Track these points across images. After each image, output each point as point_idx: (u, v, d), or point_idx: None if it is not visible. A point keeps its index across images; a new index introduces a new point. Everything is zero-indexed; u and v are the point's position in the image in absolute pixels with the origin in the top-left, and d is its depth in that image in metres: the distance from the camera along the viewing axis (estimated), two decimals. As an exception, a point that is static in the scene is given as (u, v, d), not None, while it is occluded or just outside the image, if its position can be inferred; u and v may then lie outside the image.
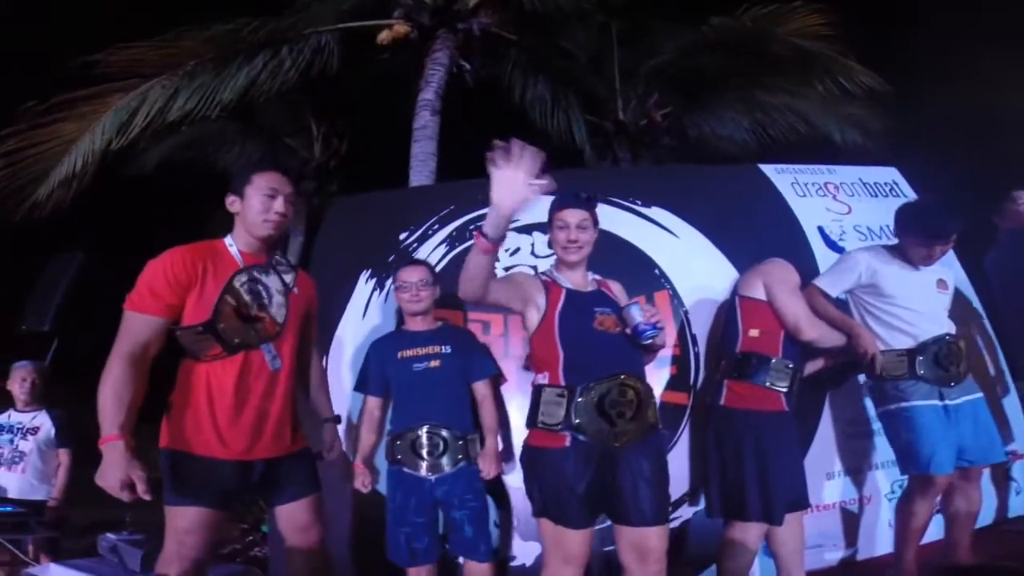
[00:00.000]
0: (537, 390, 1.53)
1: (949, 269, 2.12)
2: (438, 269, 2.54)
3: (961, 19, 6.67)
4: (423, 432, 1.93)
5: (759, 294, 1.96)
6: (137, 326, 1.42)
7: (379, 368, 2.08)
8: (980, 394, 2.00)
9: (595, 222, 1.65)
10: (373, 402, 2.08)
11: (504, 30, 4.69)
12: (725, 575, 1.84)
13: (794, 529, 1.89)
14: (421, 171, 3.95)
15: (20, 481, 2.70)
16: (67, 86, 4.17)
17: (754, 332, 1.93)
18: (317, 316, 1.78)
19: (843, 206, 2.78)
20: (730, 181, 2.80)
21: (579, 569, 1.47)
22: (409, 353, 2.04)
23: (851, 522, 2.33)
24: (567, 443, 1.46)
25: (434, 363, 2.03)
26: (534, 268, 2.47)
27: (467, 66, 4.43)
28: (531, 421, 1.53)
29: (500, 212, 1.31)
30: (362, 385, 2.13)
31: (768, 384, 1.86)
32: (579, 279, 1.65)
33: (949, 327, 1.99)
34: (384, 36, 4.35)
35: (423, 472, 1.91)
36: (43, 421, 2.80)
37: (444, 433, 1.93)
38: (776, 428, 1.85)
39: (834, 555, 2.30)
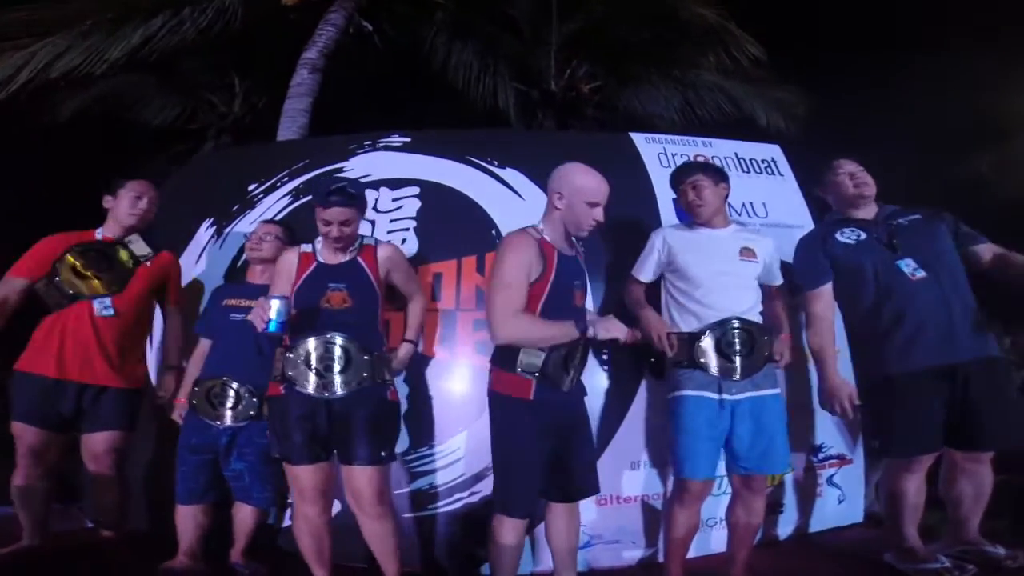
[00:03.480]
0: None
1: (763, 238, 1.95)
2: (279, 219, 2.48)
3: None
4: (220, 384, 1.95)
5: None
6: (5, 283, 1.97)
7: (208, 312, 2.15)
8: (773, 391, 1.75)
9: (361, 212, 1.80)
10: (203, 343, 2.12)
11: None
12: (490, 564, 1.70)
13: (563, 523, 1.70)
14: (290, 127, 3.89)
15: None
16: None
17: None
18: (178, 286, 2.25)
19: (709, 180, 2.74)
20: (594, 149, 2.71)
21: (315, 504, 1.69)
22: (233, 302, 2.07)
23: (653, 519, 2.14)
24: (283, 391, 1.70)
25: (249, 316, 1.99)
26: (372, 223, 2.41)
27: (368, 27, 4.30)
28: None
29: None
30: (198, 324, 2.18)
31: (518, 369, 1.60)
32: (339, 256, 1.80)
33: (749, 306, 1.80)
34: (288, -3, 4.24)
35: (212, 420, 1.94)
36: None
37: (240, 388, 1.94)
38: (518, 415, 1.61)
39: (633, 553, 2.13)
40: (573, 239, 1.78)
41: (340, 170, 2.59)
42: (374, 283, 1.80)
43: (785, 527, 2.30)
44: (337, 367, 1.68)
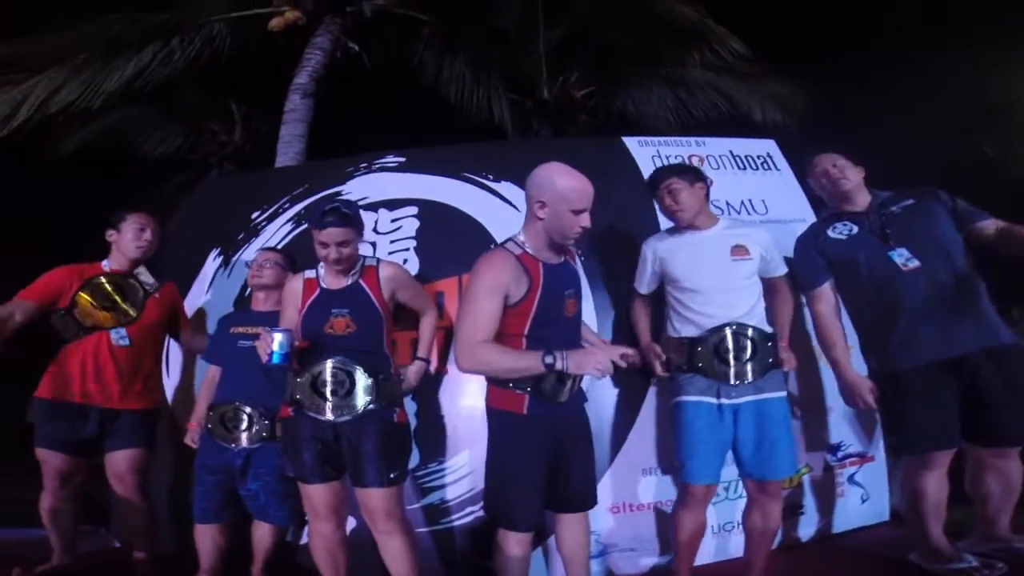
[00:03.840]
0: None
1: (755, 230, 1.89)
2: (282, 246, 2.52)
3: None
4: (233, 409, 2.00)
5: None
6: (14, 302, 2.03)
7: (216, 340, 2.19)
8: (777, 394, 1.70)
9: (359, 233, 1.79)
10: (213, 370, 2.17)
11: (411, 10, 4.60)
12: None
13: (572, 532, 1.67)
14: (287, 153, 3.95)
15: None
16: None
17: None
18: (184, 314, 2.37)
19: (704, 179, 2.73)
20: (587, 155, 2.69)
21: (328, 521, 1.73)
22: (240, 330, 2.11)
23: (669, 526, 2.03)
24: (292, 413, 1.74)
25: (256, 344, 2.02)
26: (373, 244, 2.43)
27: (355, 48, 4.37)
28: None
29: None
30: (207, 352, 2.25)
31: (509, 384, 1.56)
32: (341, 280, 1.81)
33: (748, 308, 1.75)
34: (275, 23, 4.34)
35: (227, 443, 1.99)
36: None
37: (253, 412, 1.99)
38: (513, 430, 1.57)
39: (648, 561, 2.10)
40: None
41: (339, 193, 2.62)
42: (378, 306, 1.80)
43: (807, 529, 2.26)
44: (343, 391, 1.71)
